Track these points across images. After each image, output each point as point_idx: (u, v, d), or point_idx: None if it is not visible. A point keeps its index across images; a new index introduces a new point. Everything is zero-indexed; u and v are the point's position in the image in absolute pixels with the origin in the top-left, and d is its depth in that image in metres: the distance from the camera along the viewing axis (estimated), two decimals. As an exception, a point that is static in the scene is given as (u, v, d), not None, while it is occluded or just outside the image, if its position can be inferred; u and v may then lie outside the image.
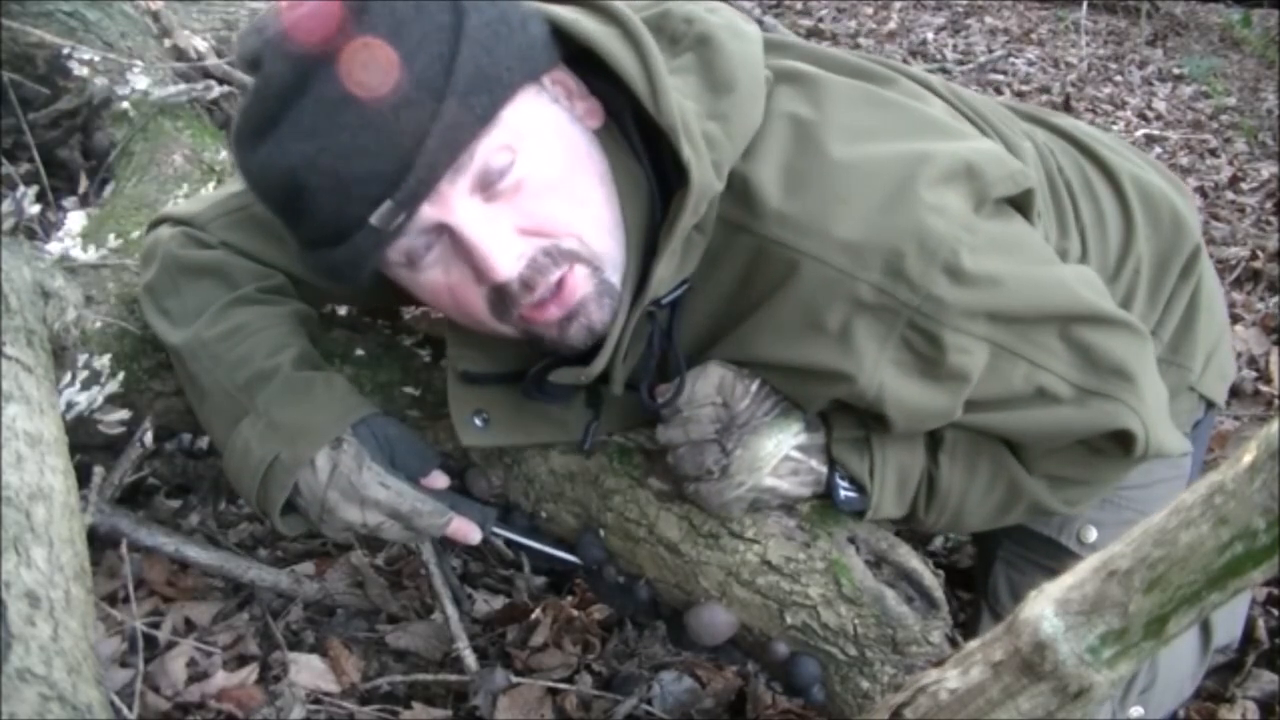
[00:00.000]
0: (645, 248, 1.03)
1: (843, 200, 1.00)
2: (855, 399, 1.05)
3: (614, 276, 1.01)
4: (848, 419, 1.12)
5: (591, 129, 1.03)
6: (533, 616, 1.54)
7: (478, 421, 1.15)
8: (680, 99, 0.99)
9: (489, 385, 1.15)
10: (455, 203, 0.94)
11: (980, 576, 1.42)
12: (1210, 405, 1.43)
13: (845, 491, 1.13)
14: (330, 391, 1.15)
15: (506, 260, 0.95)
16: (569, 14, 1.01)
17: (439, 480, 1.19)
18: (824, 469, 1.13)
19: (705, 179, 0.98)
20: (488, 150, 0.93)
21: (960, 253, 0.99)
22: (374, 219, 0.92)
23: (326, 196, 0.93)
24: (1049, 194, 1.23)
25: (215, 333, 1.17)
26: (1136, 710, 1.34)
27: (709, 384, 1.09)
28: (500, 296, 0.98)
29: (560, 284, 0.97)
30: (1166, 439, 1.12)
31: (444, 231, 0.96)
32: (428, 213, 0.94)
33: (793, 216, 1.00)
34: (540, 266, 0.97)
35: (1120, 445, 1.11)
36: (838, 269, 0.99)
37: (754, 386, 1.09)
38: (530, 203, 0.96)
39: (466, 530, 1.16)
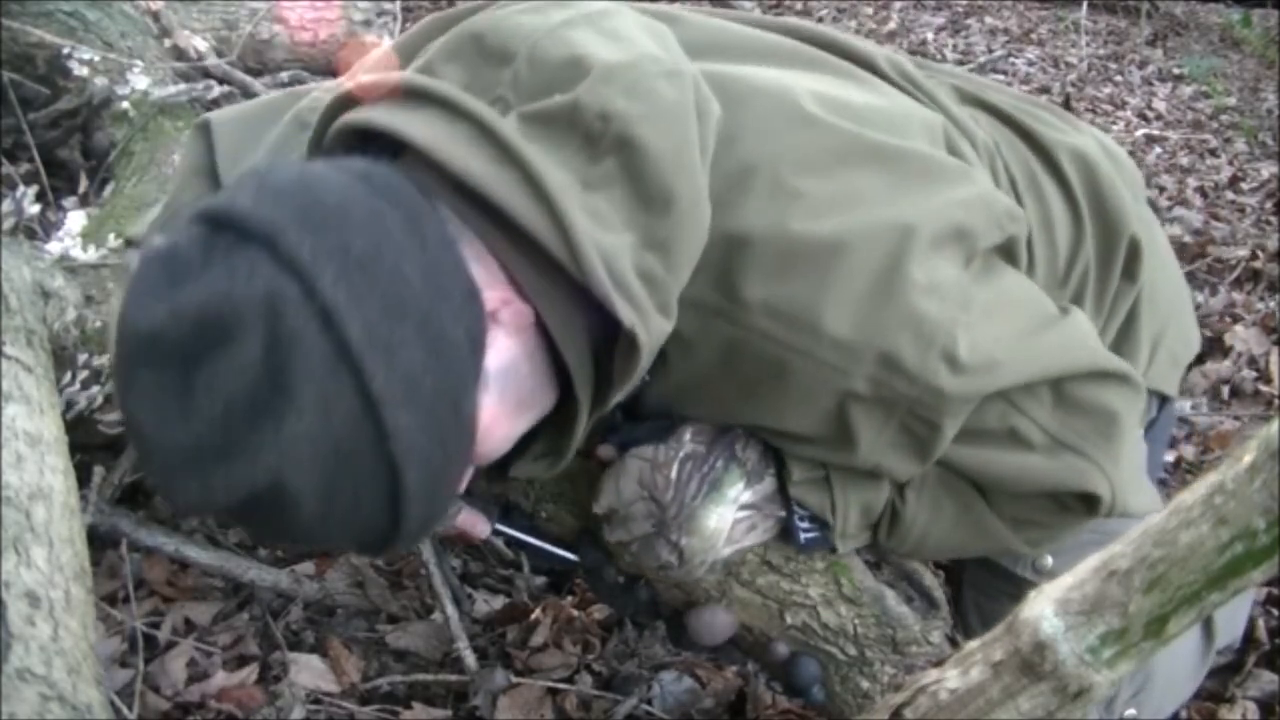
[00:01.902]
0: (598, 359, 0.94)
1: (829, 288, 0.92)
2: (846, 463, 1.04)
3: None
4: (805, 461, 1.07)
5: (520, 327, 0.91)
6: (533, 616, 1.54)
7: None
8: (606, 241, 0.86)
9: None
10: None
11: (957, 597, 1.41)
12: (1164, 401, 1.35)
13: (806, 534, 1.09)
14: None
15: None
16: (460, 160, 0.85)
17: None
18: (782, 512, 1.09)
19: (653, 334, 0.89)
20: None
21: (957, 337, 0.94)
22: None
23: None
24: None
25: None
26: (1130, 713, 1.34)
27: (630, 482, 1.06)
28: None
29: None
30: (1134, 501, 1.07)
31: None
32: None
33: (777, 308, 0.93)
34: None
35: (1084, 504, 1.07)
36: (830, 365, 0.94)
37: (673, 473, 1.05)
38: None
39: (474, 521, 1.15)
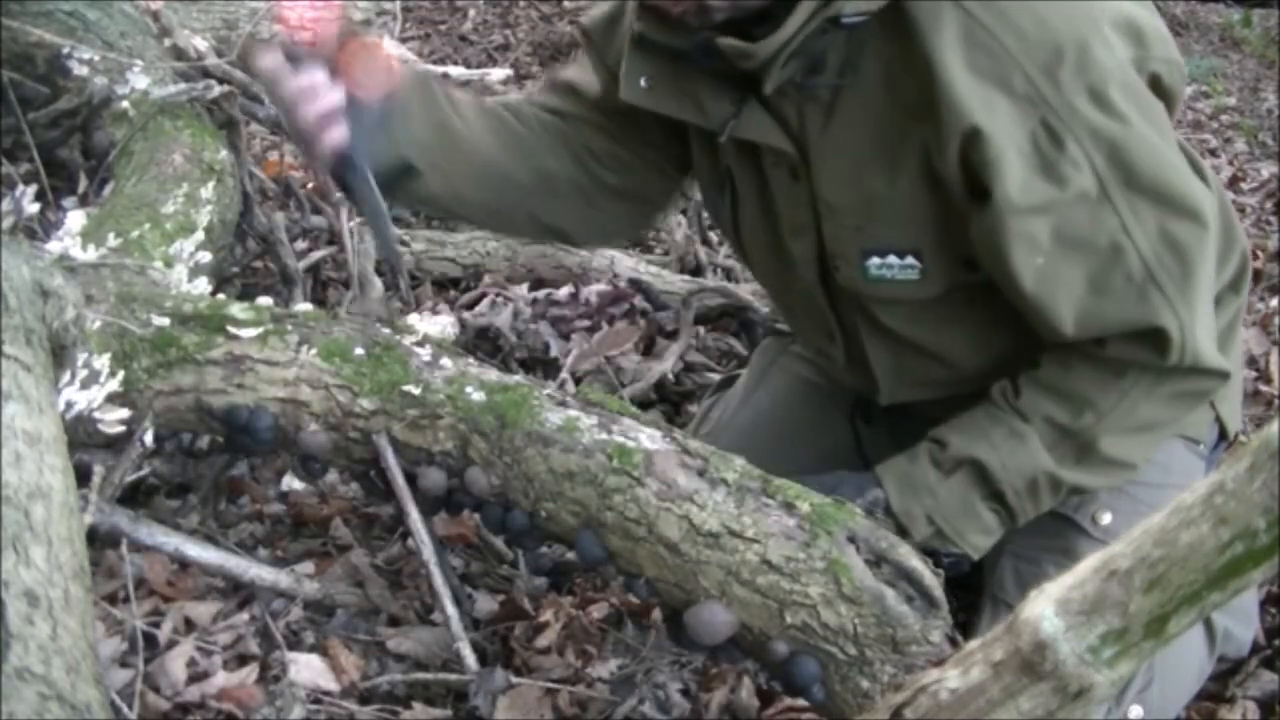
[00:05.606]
0: None
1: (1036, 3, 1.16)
2: (972, 157, 1.18)
3: None
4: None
5: None
6: (542, 618, 1.53)
7: (643, 82, 1.34)
8: None
9: (659, 56, 1.32)
10: None
11: (988, 571, 1.42)
12: (1223, 436, 1.46)
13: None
14: None
15: None
16: None
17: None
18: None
19: None
20: None
21: (1110, 83, 1.16)
22: None
23: None
24: None
25: None
26: (1136, 710, 1.34)
27: None
28: None
29: None
30: (1205, 349, 1.22)
31: None
32: None
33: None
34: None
35: (1155, 347, 1.22)
36: (1006, 51, 1.15)
37: None
38: None
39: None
